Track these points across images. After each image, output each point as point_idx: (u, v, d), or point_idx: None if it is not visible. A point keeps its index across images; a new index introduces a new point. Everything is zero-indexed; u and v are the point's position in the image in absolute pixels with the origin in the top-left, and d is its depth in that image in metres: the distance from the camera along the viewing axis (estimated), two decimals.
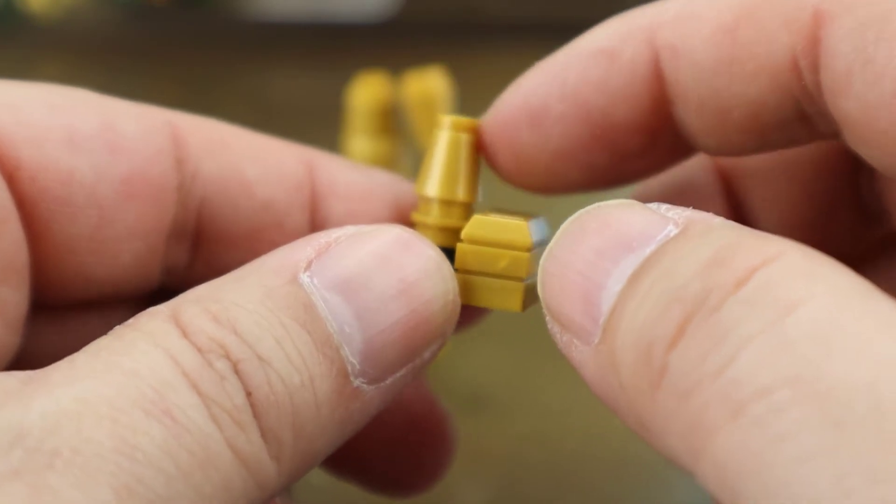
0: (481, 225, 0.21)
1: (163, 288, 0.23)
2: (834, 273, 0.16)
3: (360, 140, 0.33)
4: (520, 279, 0.21)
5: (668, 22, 0.21)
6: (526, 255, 0.21)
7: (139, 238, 0.21)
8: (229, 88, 0.57)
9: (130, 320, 0.18)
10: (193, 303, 0.18)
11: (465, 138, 0.22)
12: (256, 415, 0.18)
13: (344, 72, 0.40)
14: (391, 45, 0.59)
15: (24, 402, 0.16)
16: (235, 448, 0.17)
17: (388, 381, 0.20)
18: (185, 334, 0.18)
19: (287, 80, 0.61)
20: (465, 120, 0.22)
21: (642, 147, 0.22)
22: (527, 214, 0.23)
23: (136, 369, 0.17)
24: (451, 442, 0.25)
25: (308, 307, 0.19)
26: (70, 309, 0.22)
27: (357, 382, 0.19)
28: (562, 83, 0.22)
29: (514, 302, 0.21)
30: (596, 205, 0.19)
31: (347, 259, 0.19)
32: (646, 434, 0.17)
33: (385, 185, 0.24)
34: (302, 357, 0.18)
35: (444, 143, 0.22)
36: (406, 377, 0.20)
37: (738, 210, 0.24)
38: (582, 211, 0.19)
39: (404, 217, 0.24)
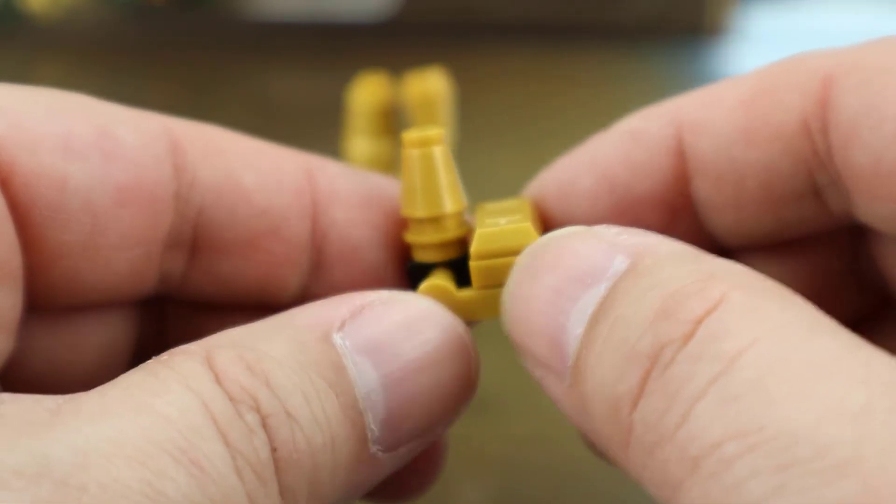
0: (487, 239, 0.21)
1: (158, 294, 0.23)
2: (777, 310, 0.16)
3: (360, 141, 0.33)
4: None
5: (692, 102, 0.23)
6: None
7: (134, 245, 0.21)
8: (229, 89, 0.57)
9: (164, 356, 0.18)
10: (228, 347, 0.18)
11: (436, 151, 0.22)
12: (278, 470, 0.18)
13: (344, 72, 0.40)
14: (391, 45, 0.59)
15: (52, 435, 0.16)
16: (254, 502, 0.17)
17: (402, 450, 0.20)
18: (218, 380, 0.18)
19: (287, 81, 0.61)
20: (430, 133, 0.22)
21: (663, 224, 0.23)
22: (519, 203, 0.24)
23: (167, 413, 0.17)
24: (442, 448, 0.25)
25: (338, 368, 0.19)
26: (63, 312, 0.22)
27: (374, 449, 0.19)
28: (591, 159, 0.23)
29: None
30: (548, 236, 0.20)
31: (380, 325, 0.20)
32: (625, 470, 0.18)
33: (385, 191, 0.24)
34: (327, 418, 0.18)
35: (417, 161, 0.22)
36: (416, 449, 0.20)
37: None
38: (535, 244, 0.20)
39: (403, 226, 0.24)
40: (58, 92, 0.21)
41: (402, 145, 0.22)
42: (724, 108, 0.22)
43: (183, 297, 0.24)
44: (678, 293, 0.17)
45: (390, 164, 0.33)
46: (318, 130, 0.52)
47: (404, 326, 0.20)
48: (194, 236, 0.23)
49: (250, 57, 0.63)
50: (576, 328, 0.18)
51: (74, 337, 0.23)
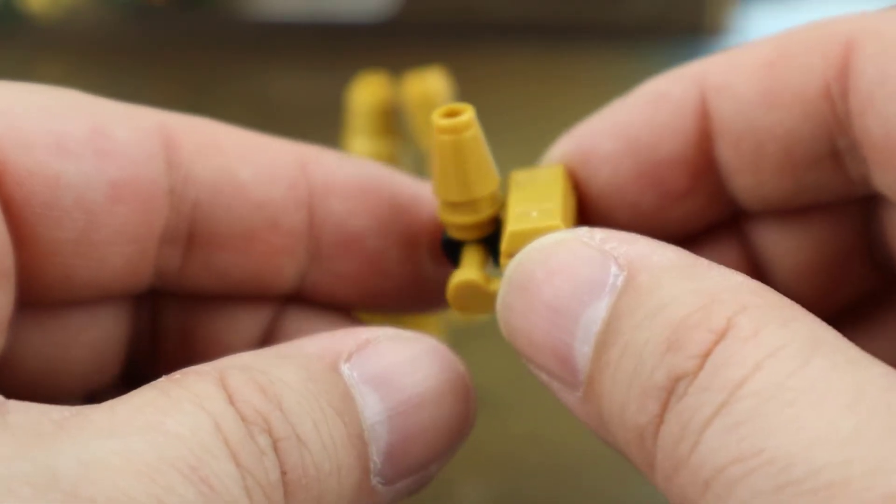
0: (518, 239, 0.21)
1: (153, 289, 0.23)
2: (778, 329, 0.17)
3: (360, 141, 0.33)
4: None
5: (715, 65, 0.23)
6: None
7: (128, 242, 0.21)
8: (229, 89, 0.57)
9: (177, 375, 0.18)
10: (241, 370, 0.18)
11: (467, 137, 0.22)
12: (287, 494, 0.18)
13: (344, 72, 0.40)
14: (391, 45, 0.59)
15: (60, 446, 0.16)
16: None
17: (399, 485, 0.20)
18: (231, 400, 0.18)
19: (287, 81, 0.61)
20: (461, 120, 0.22)
21: (686, 188, 0.23)
22: (553, 176, 0.23)
23: (178, 431, 0.17)
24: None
25: (346, 397, 0.19)
26: (56, 307, 0.22)
27: (375, 481, 0.19)
28: (612, 123, 0.23)
29: None
30: (534, 247, 0.20)
31: (386, 359, 0.20)
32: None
33: (382, 179, 0.24)
34: (335, 445, 0.19)
35: (449, 148, 0.22)
36: (412, 487, 0.20)
37: (752, 256, 0.25)
38: (522, 256, 0.20)
39: (402, 212, 0.24)
40: (52, 88, 0.21)
41: (433, 128, 0.22)
42: (746, 70, 0.22)
43: (179, 290, 0.24)
44: (684, 323, 0.17)
45: (390, 164, 0.33)
46: (318, 130, 0.52)
47: (408, 362, 0.20)
48: (190, 231, 0.23)
49: (250, 57, 0.63)
50: (582, 346, 0.19)
51: (67, 332, 0.23)
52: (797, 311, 0.18)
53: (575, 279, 0.19)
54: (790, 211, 0.24)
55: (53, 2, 0.62)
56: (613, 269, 0.19)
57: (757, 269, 0.24)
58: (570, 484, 0.30)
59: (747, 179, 0.23)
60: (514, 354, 0.35)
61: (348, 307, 0.25)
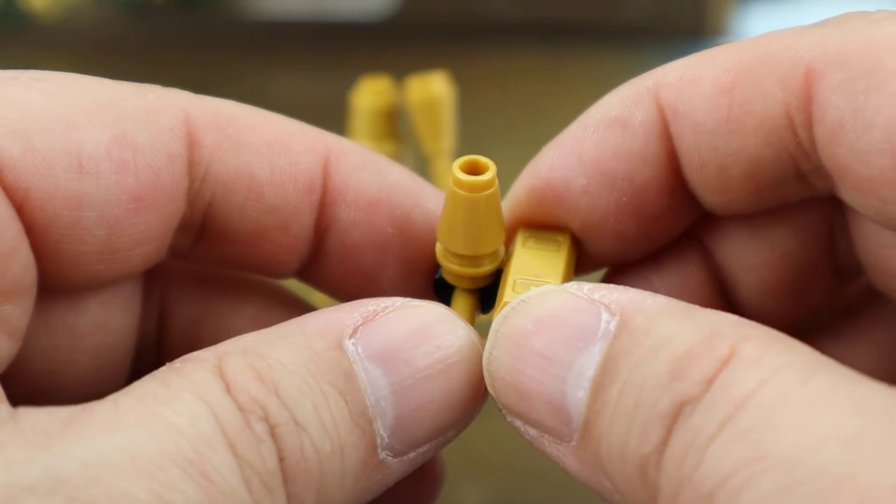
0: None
1: (161, 262, 0.23)
2: (780, 353, 0.17)
3: (363, 143, 0.33)
4: None
5: (671, 84, 0.22)
6: None
7: (148, 243, 0.22)
8: (229, 89, 0.57)
9: (177, 363, 0.19)
10: (239, 355, 0.19)
11: (484, 197, 0.21)
12: (286, 479, 0.18)
13: (344, 73, 0.40)
14: (391, 45, 0.59)
15: (65, 447, 0.17)
16: None
17: (412, 454, 0.20)
18: (228, 389, 0.18)
19: (287, 81, 0.61)
20: (481, 179, 0.21)
21: (665, 208, 0.23)
22: (558, 245, 0.23)
23: (178, 423, 0.17)
24: (440, 464, 0.25)
25: (349, 376, 0.19)
26: (64, 296, 0.23)
27: (383, 455, 0.19)
28: (578, 156, 0.23)
29: None
30: (520, 299, 0.20)
31: (392, 332, 0.20)
32: None
33: (397, 192, 0.24)
34: (336, 425, 0.19)
35: (463, 203, 0.21)
36: (428, 453, 0.20)
37: (717, 274, 0.25)
38: (509, 310, 0.20)
39: (409, 228, 0.23)
40: (66, 82, 0.21)
41: (452, 177, 0.21)
42: (704, 94, 0.22)
43: (184, 265, 0.24)
44: (687, 355, 0.18)
45: None
46: None
47: (416, 334, 0.20)
48: (203, 223, 0.23)
49: (250, 57, 0.63)
50: (576, 392, 0.19)
51: (76, 318, 0.23)
52: (796, 342, 0.18)
53: (566, 328, 0.19)
54: (754, 227, 0.24)
55: (55, 1, 0.62)
56: (605, 315, 0.19)
57: (722, 287, 0.25)
58: (570, 486, 0.30)
59: (715, 199, 0.23)
60: None
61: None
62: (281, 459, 0.18)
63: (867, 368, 0.25)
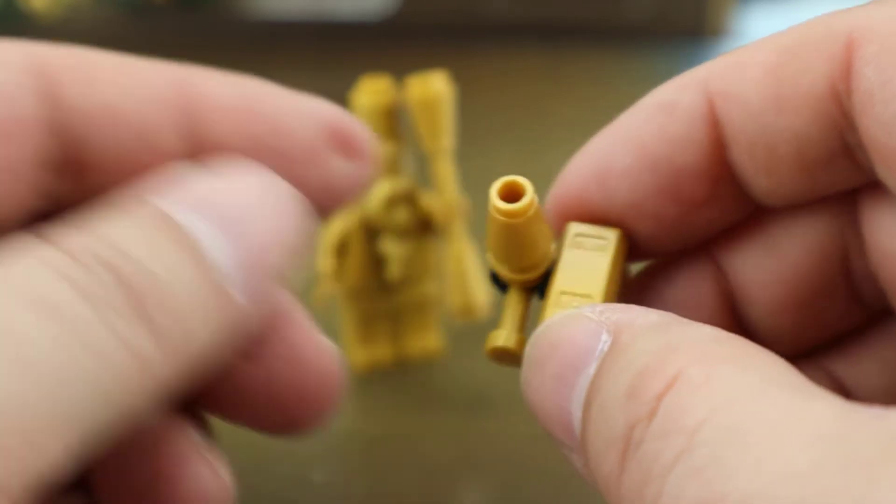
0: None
1: (48, 214, 0.24)
2: (731, 375, 0.18)
3: None
4: None
5: (719, 70, 0.23)
6: None
7: (2, 172, 0.22)
8: None
9: (14, 243, 0.19)
10: (69, 227, 0.19)
11: (525, 219, 0.22)
12: (138, 308, 0.19)
13: (346, 74, 0.40)
14: (391, 45, 0.59)
15: None
16: (115, 330, 0.18)
17: (253, 292, 0.21)
18: (67, 253, 0.19)
19: (289, 81, 0.61)
20: (519, 206, 0.22)
21: (706, 195, 0.23)
22: (607, 243, 0.23)
23: (16, 276, 0.18)
24: (337, 378, 0.25)
25: (176, 227, 0.20)
26: None
27: (232, 291, 0.20)
28: (624, 138, 0.23)
29: None
30: (545, 325, 0.21)
31: (214, 185, 0.21)
32: None
33: (260, 97, 0.24)
34: (179, 271, 0.19)
35: (503, 228, 0.22)
36: (270, 293, 0.21)
37: (732, 293, 0.25)
38: (536, 335, 0.21)
39: (280, 130, 0.24)
40: None
41: (490, 203, 0.22)
42: (751, 76, 0.22)
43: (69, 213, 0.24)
44: (643, 372, 0.18)
45: (393, 166, 0.33)
46: None
47: (240, 186, 0.21)
48: (71, 158, 0.23)
49: (250, 57, 0.62)
50: (577, 410, 0.20)
51: None
52: (757, 357, 0.18)
53: (573, 350, 0.20)
54: (768, 244, 0.24)
55: (55, 1, 0.62)
56: (604, 336, 0.20)
57: (734, 304, 0.25)
58: (570, 484, 0.30)
59: (764, 181, 0.23)
60: None
61: None
62: (131, 294, 0.18)
63: (874, 386, 0.25)
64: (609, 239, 0.23)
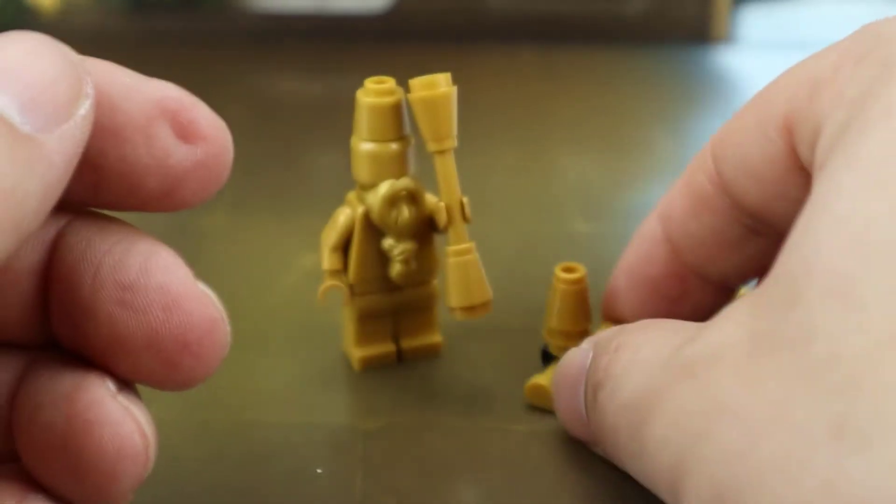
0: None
1: None
2: (640, 334, 0.27)
3: (365, 143, 0.33)
4: None
5: (665, 198, 0.32)
6: None
7: None
8: (229, 88, 0.57)
9: None
10: None
11: (584, 286, 0.34)
12: None
13: (347, 74, 0.40)
14: (394, 47, 0.59)
15: None
16: None
17: (56, 128, 0.21)
18: None
19: (290, 81, 0.61)
20: (580, 276, 0.34)
21: (680, 291, 0.33)
22: None
23: None
24: (218, 326, 0.24)
25: None
26: None
27: (26, 129, 0.20)
28: (621, 265, 0.34)
29: None
30: (566, 354, 0.31)
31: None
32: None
33: (92, 73, 0.23)
34: None
35: (570, 296, 0.33)
36: (78, 127, 0.21)
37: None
38: (556, 368, 0.31)
39: (108, 105, 0.23)
40: None
41: (554, 275, 0.34)
42: (678, 195, 0.32)
43: None
44: (599, 353, 0.29)
45: (396, 166, 0.33)
46: (322, 131, 0.52)
47: (4, 42, 0.21)
48: None
49: (251, 55, 0.63)
50: (583, 410, 0.29)
51: None
52: (654, 323, 0.28)
53: (573, 370, 0.30)
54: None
55: None
56: (590, 353, 0.29)
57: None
58: (567, 485, 0.30)
59: (711, 270, 0.32)
60: (513, 355, 0.36)
61: (80, 206, 0.24)
62: None
63: None
64: None
